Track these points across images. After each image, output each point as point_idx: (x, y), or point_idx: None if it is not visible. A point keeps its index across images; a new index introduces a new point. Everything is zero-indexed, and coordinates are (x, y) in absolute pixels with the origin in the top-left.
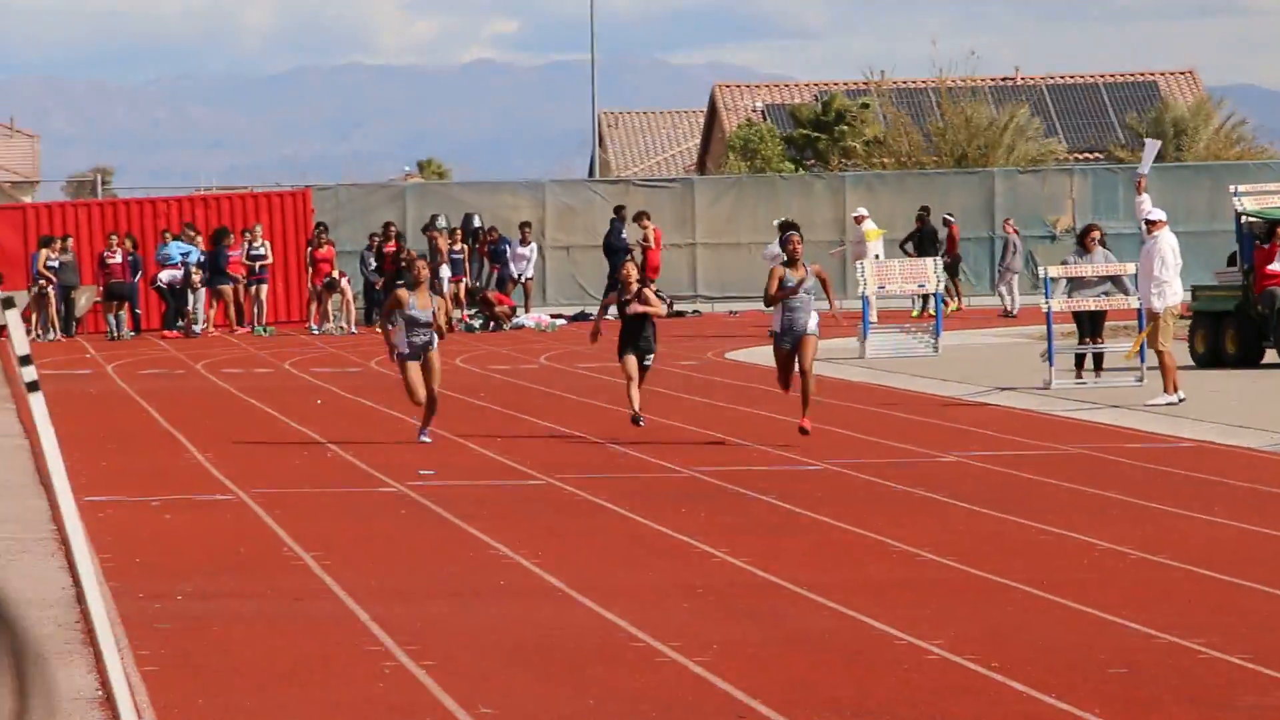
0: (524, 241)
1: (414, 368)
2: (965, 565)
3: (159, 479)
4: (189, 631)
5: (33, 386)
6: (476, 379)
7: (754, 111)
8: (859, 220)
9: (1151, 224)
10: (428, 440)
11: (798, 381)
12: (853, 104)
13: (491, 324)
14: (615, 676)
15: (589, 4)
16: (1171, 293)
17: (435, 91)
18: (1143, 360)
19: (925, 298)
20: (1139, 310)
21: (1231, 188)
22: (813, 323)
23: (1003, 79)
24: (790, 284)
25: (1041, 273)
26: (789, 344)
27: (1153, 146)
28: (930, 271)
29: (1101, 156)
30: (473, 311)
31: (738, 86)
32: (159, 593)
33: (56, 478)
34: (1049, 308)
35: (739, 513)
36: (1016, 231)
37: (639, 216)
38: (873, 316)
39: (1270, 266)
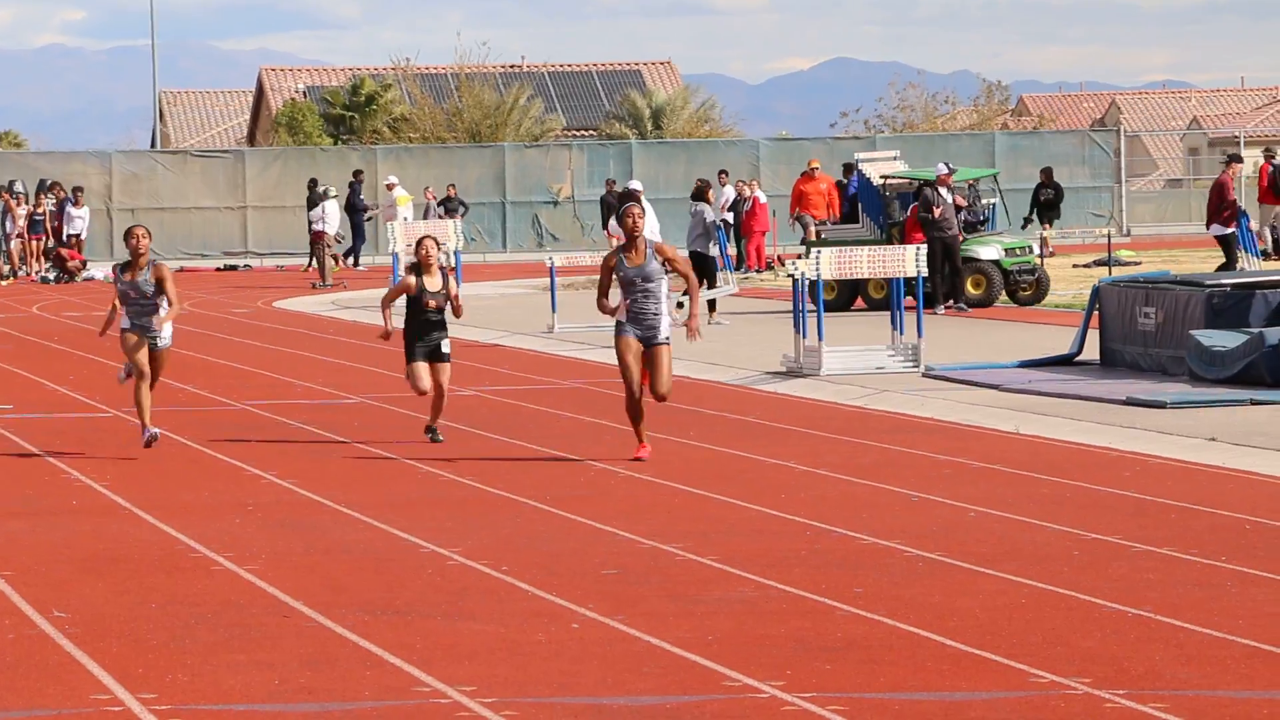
0: (77, 204)
1: (142, 347)
2: (481, 484)
3: None
4: None
5: None
6: (51, 325)
7: (296, 93)
8: (390, 187)
9: (633, 193)
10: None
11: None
12: (379, 87)
13: (65, 277)
14: (175, 583)
15: None
16: None
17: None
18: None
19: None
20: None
21: (856, 156)
22: (664, 323)
23: (511, 66)
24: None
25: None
26: (637, 335)
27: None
28: (452, 231)
29: (594, 134)
30: (48, 265)
31: (282, 70)
32: None
33: None
34: (552, 261)
35: (285, 440)
36: (434, 197)
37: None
38: (402, 271)
39: None
